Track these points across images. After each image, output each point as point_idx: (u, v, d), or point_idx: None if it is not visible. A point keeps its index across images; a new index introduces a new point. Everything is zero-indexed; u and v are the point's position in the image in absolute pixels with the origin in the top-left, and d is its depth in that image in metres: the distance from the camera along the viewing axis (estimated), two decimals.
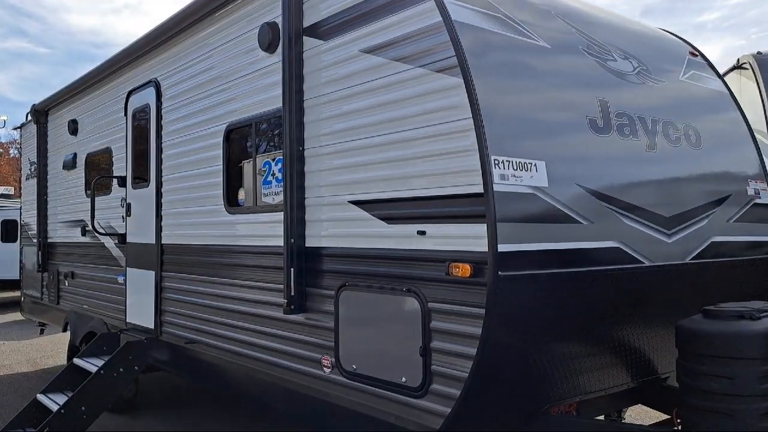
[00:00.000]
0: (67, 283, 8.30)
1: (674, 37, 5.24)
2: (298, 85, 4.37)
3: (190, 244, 5.65)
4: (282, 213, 4.50)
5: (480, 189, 3.15)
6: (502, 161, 3.20)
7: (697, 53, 5.13)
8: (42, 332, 10.26)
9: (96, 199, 7.51)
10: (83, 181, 7.86)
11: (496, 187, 3.13)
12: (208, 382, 5.56)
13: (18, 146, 66.74)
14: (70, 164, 8.18)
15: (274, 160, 4.67)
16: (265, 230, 4.72)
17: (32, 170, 9.69)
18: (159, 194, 6.16)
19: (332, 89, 4.13)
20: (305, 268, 4.32)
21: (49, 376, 9.35)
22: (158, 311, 6.14)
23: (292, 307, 4.29)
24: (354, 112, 3.93)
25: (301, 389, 4.34)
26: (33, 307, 9.70)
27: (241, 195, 5.06)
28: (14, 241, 18.93)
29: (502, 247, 3.10)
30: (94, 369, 6.14)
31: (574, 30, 4.15)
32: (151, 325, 6.21)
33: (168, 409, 7.53)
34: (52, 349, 11.49)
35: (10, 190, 21.47)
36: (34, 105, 9.08)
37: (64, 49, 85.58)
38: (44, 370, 9.85)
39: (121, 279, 6.90)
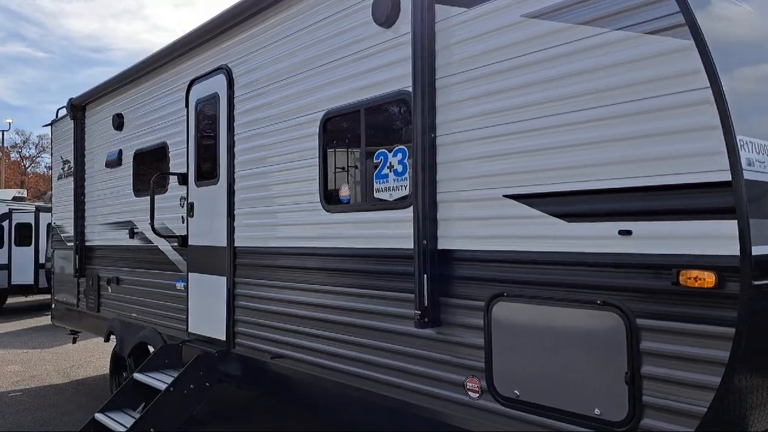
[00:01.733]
0: (110, 290, 7.57)
1: None
2: (431, 62, 3.68)
3: (274, 246, 4.95)
4: (403, 210, 3.84)
5: (726, 176, 2.47)
6: (747, 142, 2.52)
7: None
8: (74, 341, 9.51)
9: (145, 198, 6.80)
10: (131, 180, 7.13)
11: (745, 174, 2.45)
12: (298, 402, 4.84)
13: (19, 150, 65.36)
14: (114, 162, 7.45)
15: (391, 150, 3.97)
16: (381, 231, 4.03)
17: (65, 169, 8.95)
18: (231, 192, 5.46)
19: (479, 64, 3.44)
20: (438, 274, 3.63)
21: (84, 388, 8.63)
22: (231, 321, 5.43)
23: (426, 319, 3.59)
24: (516, 88, 3.24)
25: (436, 416, 3.63)
26: (66, 314, 8.95)
27: (345, 191, 4.37)
28: (28, 245, 18.16)
29: (756, 250, 2.42)
30: (157, 384, 5.45)
31: None
32: (222, 336, 5.50)
33: (232, 421, 6.81)
34: (80, 358, 10.75)
35: (23, 193, 20.68)
36: (71, 99, 8.35)
37: (63, 54, 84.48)
38: (78, 381, 9.11)
39: (180, 285, 6.18)
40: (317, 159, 4.54)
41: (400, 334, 3.85)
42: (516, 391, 3.21)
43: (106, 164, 7.63)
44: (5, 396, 8.28)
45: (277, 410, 7.15)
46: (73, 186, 8.46)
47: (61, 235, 9.09)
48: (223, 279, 5.52)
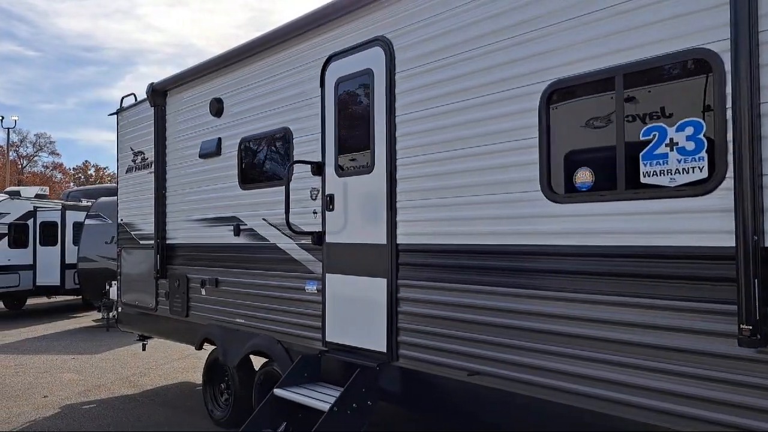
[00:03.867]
0: (203, 292, 6.64)
1: None
2: (754, 10, 2.85)
3: (463, 244, 4.08)
4: (696, 199, 3.00)
5: None
6: None
7: None
8: (144, 348, 8.54)
9: (257, 191, 5.91)
10: (235, 171, 6.22)
11: None
12: (503, 429, 3.96)
13: (16, 149, 63.79)
14: (211, 152, 6.53)
15: (673, 124, 3.13)
16: (654, 224, 3.18)
17: (138, 161, 8.00)
18: (392, 182, 4.58)
19: None
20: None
21: (161, 399, 7.68)
22: (393, 329, 4.55)
23: (758, 336, 2.75)
24: None
25: None
26: (138, 318, 7.98)
27: (584, 176, 3.51)
28: (53, 245, 17.06)
29: None
30: (306, 401, 4.63)
31: None
32: (381, 347, 4.62)
33: None
34: (138, 364, 9.77)
35: (45, 191, 19.54)
36: (152, 84, 7.41)
37: (54, 53, 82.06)
38: (149, 391, 8.16)
39: (311, 287, 5.29)
40: (536, 139, 3.68)
41: (703, 354, 3.00)
42: None
43: (200, 155, 6.70)
44: (79, 408, 7.31)
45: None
46: (152, 179, 7.51)
47: (131, 233, 8.12)
48: (382, 281, 4.64)
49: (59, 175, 66.46)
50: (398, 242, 4.56)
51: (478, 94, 4.02)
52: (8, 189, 19.04)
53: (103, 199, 16.08)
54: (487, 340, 3.92)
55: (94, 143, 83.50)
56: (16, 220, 16.60)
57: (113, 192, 19.30)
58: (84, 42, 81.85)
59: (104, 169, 67.69)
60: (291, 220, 5.39)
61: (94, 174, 67.52)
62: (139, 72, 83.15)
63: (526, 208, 3.75)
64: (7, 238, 16.30)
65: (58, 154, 65.86)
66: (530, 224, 3.72)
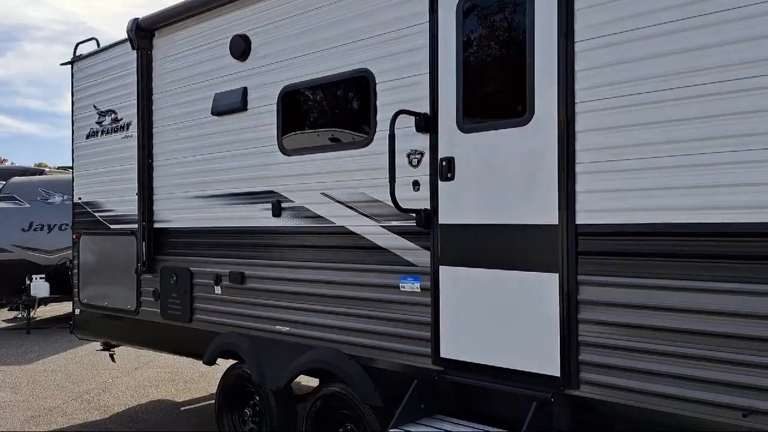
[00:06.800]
0: (219, 291, 4.95)
1: None
2: None
3: (730, 223, 2.75)
4: None
5: None
6: None
7: None
8: (113, 358, 6.64)
9: (312, 157, 4.34)
10: (273, 132, 4.57)
11: None
12: None
13: None
14: (233, 107, 4.83)
15: None
16: None
17: (106, 123, 6.12)
18: (568, 135, 3.17)
19: None
20: None
21: (136, 425, 5.88)
22: (570, 345, 3.15)
23: None
24: None
25: None
26: (108, 323, 6.11)
27: None
28: None
29: None
30: None
31: None
32: (552, 370, 3.21)
33: None
34: (90, 377, 7.80)
35: None
36: (136, 20, 5.54)
37: None
38: (120, 415, 6.31)
39: (411, 284, 3.79)
40: None
41: None
42: None
43: (213, 111, 4.98)
44: None
45: None
46: (130, 145, 5.70)
47: (96, 214, 6.22)
48: (549, 277, 3.23)
49: None
50: (578, 222, 3.16)
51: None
52: None
53: (16, 178, 13.54)
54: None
55: None
56: None
57: (22, 172, 16.65)
58: None
59: None
60: (369, 194, 3.90)
61: None
62: (22, 49, 76.17)
63: None
64: None
65: None
66: None
